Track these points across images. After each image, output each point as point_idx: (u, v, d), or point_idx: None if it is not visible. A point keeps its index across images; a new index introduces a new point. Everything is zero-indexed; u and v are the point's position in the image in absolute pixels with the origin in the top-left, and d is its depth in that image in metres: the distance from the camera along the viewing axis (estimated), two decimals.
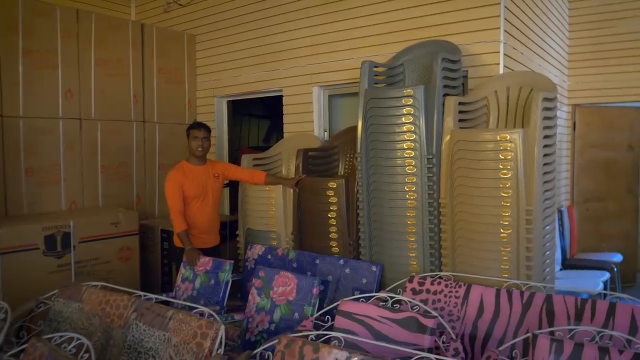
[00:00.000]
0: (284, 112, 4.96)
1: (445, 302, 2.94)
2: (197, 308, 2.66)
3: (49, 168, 4.47)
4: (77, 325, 2.79)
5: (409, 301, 2.75)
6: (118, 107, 5.02)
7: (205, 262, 3.63)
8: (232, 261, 3.57)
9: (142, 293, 2.88)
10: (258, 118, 8.21)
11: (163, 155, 5.38)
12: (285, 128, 4.95)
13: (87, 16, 4.76)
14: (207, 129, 4.00)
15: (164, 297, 2.98)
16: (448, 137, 3.29)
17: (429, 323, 2.36)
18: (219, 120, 5.68)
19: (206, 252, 3.82)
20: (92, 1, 5.95)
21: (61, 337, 2.29)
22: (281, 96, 4.98)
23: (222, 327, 2.27)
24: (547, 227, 3.20)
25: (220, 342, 2.25)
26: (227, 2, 5.35)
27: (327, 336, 2.34)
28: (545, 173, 3.09)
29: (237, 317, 3.27)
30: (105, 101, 4.88)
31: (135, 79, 5.16)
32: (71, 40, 4.62)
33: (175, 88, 5.56)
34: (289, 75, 4.87)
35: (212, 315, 2.51)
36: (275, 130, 7.67)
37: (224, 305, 3.47)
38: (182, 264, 3.74)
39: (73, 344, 2.27)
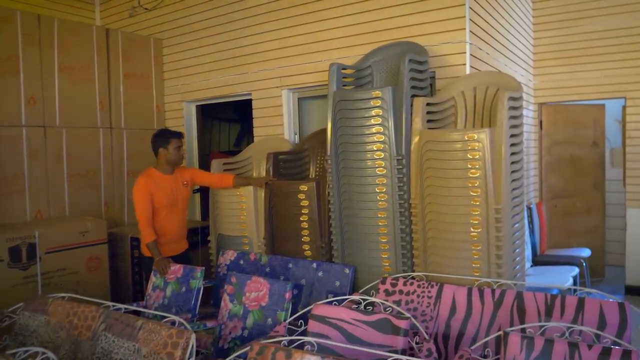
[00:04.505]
0: (253, 116, 4.92)
1: (418, 303, 2.95)
2: (168, 317, 2.61)
3: (12, 177, 4.34)
4: (43, 339, 2.72)
5: (382, 303, 2.75)
6: (84, 114, 4.92)
7: (177, 270, 3.57)
8: (204, 268, 3.52)
9: (110, 303, 2.82)
10: (228, 122, 8.15)
11: (131, 162, 5.28)
12: (256, 132, 4.91)
13: (49, 21, 4.65)
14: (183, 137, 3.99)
15: (133, 307, 2.93)
16: (417, 138, 3.30)
17: (402, 324, 2.36)
18: (188, 125, 5.61)
19: (176, 258, 3.76)
20: (55, 6, 5.82)
21: (26, 351, 2.22)
22: (251, 99, 4.95)
23: (193, 336, 2.24)
24: (517, 225, 3.24)
25: (192, 351, 2.21)
26: (194, 6, 5.29)
27: (300, 341, 2.32)
28: (513, 172, 3.13)
29: (210, 324, 3.23)
30: (70, 108, 4.76)
31: (101, 85, 5.06)
32: (33, 46, 4.50)
33: (142, 93, 5.47)
34: (257, 78, 4.84)
35: (182, 324, 2.47)
36: (246, 134, 7.62)
37: (196, 312, 3.41)
38: (152, 272, 3.68)
39: (38, 358, 2.20)
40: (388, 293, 3.05)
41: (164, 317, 2.63)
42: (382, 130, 3.35)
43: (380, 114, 3.33)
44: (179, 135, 3.88)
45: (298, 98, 4.76)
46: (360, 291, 3.22)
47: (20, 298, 3.00)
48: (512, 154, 3.11)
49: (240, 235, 4.19)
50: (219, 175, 4.16)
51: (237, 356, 2.30)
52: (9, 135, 4.34)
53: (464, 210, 3.09)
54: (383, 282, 3.11)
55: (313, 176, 4.35)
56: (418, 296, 2.97)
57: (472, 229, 3.07)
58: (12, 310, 2.93)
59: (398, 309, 2.69)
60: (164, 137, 3.84)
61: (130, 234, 4.72)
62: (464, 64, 3.72)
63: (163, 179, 3.83)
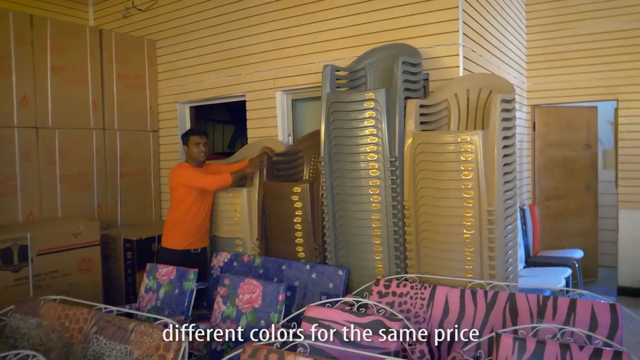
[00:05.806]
0: (247, 117, 4.91)
1: (411, 304, 2.96)
2: (160, 319, 2.60)
3: (4, 179, 4.31)
4: (35, 342, 2.71)
5: (375, 304, 2.75)
6: (76, 115, 4.88)
7: (169, 271, 3.56)
8: (197, 270, 3.51)
9: (102, 305, 2.81)
10: (223, 123, 8.13)
11: (124, 163, 5.27)
12: (250, 133, 4.91)
13: (42, 22, 4.62)
14: (207, 135, 4.16)
15: (125, 309, 2.91)
16: (410, 140, 3.31)
17: (395, 326, 2.36)
18: (182, 127, 5.59)
19: (196, 254, 4.06)
20: (48, 6, 5.79)
21: (16, 354, 2.20)
22: (245, 101, 4.94)
23: (186, 338, 2.23)
24: (509, 227, 3.25)
25: (184, 353, 2.20)
26: (188, 7, 5.28)
27: (293, 343, 2.32)
28: (505, 173, 3.13)
29: (203, 326, 3.22)
30: (62, 109, 4.73)
31: (94, 86, 5.03)
32: (25, 47, 4.47)
33: (136, 94, 5.45)
34: (251, 80, 4.83)
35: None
36: (241, 136, 7.60)
37: (189, 314, 3.41)
38: (145, 274, 3.67)
39: None
40: (381, 295, 3.06)
41: (157, 319, 2.61)
42: (375, 132, 3.35)
43: (374, 115, 3.34)
44: (196, 133, 4.11)
45: (292, 100, 4.76)
46: (354, 293, 3.22)
47: (12, 300, 2.98)
48: (505, 155, 3.12)
49: (234, 236, 4.19)
50: (217, 178, 4.01)
51: (229, 358, 2.30)
52: (1, 136, 4.31)
53: (456, 212, 3.10)
54: (376, 284, 3.12)
55: (307, 178, 4.34)
56: (411, 298, 2.98)
57: (465, 231, 3.08)
58: (4, 313, 2.91)
59: (391, 310, 2.70)
60: (185, 135, 4.15)
61: (124, 235, 4.70)
62: (457, 66, 3.73)
63: (195, 169, 4.04)
